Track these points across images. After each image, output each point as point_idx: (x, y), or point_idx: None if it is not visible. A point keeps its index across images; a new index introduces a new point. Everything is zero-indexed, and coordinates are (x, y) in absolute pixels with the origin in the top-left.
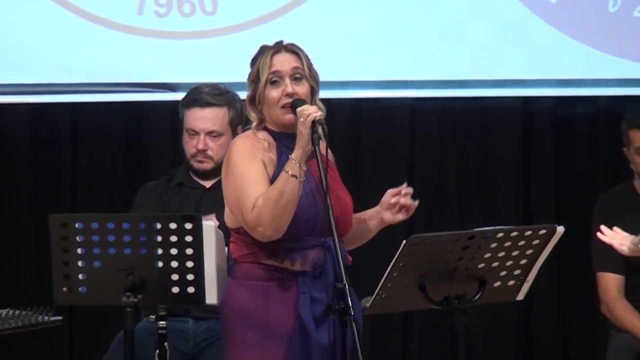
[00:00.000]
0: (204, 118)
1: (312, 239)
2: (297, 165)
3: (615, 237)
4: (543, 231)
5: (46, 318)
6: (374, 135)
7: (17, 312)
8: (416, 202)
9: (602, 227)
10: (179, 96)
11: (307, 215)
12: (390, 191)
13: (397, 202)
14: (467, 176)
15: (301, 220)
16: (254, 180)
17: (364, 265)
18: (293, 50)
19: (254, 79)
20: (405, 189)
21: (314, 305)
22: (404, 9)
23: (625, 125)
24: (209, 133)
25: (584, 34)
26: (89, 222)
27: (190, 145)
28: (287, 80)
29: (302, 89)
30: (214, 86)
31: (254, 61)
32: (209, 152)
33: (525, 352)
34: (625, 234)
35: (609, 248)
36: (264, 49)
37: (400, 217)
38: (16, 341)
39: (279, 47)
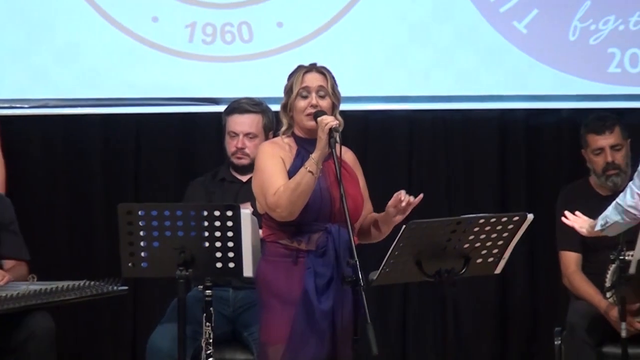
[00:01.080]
0: (242, 122)
1: (316, 225)
2: (315, 163)
3: (577, 221)
4: (516, 218)
5: (115, 288)
6: (378, 141)
7: (92, 283)
8: (417, 199)
9: (566, 212)
10: (221, 108)
11: (313, 205)
12: (389, 204)
13: (397, 209)
14: (455, 173)
15: (310, 208)
16: (275, 173)
17: (371, 245)
18: (321, 71)
19: (288, 90)
20: (399, 197)
21: (317, 278)
22: (405, 40)
23: (584, 130)
24: (247, 134)
25: (549, 58)
26: (149, 210)
27: (231, 145)
28: (313, 95)
29: (324, 103)
30: (250, 98)
31: (290, 76)
32: (246, 150)
33: (503, 315)
34: (585, 218)
35: (569, 232)
36: (299, 68)
37: (401, 217)
38: (91, 306)
39: (311, 67)
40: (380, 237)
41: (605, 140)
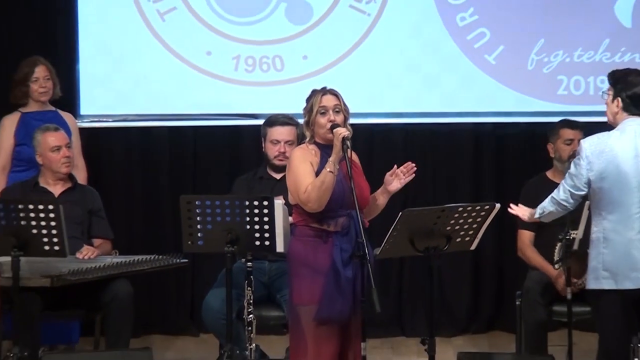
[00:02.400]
0: (283, 132)
1: (341, 211)
2: (333, 164)
3: (519, 210)
4: (487, 207)
5: (178, 261)
6: (380, 147)
7: (160, 256)
8: (409, 169)
9: (511, 204)
10: (259, 122)
11: (337, 196)
12: (387, 173)
13: (393, 176)
14: (440, 173)
15: (334, 199)
16: (305, 174)
17: (376, 227)
18: (334, 93)
19: (309, 110)
20: (394, 168)
21: (342, 253)
22: (402, 69)
23: (559, 126)
24: (287, 142)
25: (512, 83)
26: (204, 201)
27: (274, 150)
28: (330, 112)
29: (339, 118)
30: (283, 114)
31: (308, 99)
32: (286, 154)
33: (476, 281)
34: (526, 208)
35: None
36: (315, 92)
37: (398, 184)
38: (160, 275)
39: (325, 91)
40: (379, 209)
41: (574, 134)
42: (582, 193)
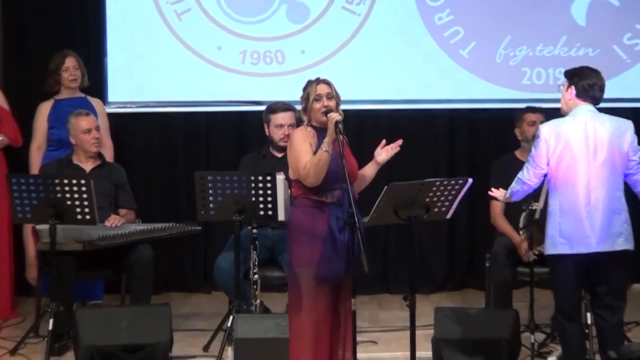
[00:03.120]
0: (286, 117)
1: (336, 184)
2: (328, 145)
3: (497, 193)
4: (461, 181)
5: (192, 228)
6: (368, 130)
7: (177, 224)
8: (396, 144)
9: (493, 189)
10: (263, 108)
11: (332, 172)
12: (377, 147)
13: (382, 149)
14: (422, 152)
15: (329, 174)
16: (305, 153)
17: (365, 199)
18: (326, 82)
19: (306, 98)
20: (383, 142)
21: (337, 221)
22: (388, 62)
23: (523, 111)
24: (289, 125)
25: (483, 74)
26: (215, 176)
27: (279, 133)
28: (324, 99)
29: (332, 103)
30: (283, 102)
31: (304, 88)
32: (289, 136)
33: (451, 246)
34: (502, 190)
35: (498, 185)
36: (310, 82)
37: (385, 156)
38: (177, 240)
39: (319, 80)
40: (367, 181)
41: (536, 117)
42: (543, 171)
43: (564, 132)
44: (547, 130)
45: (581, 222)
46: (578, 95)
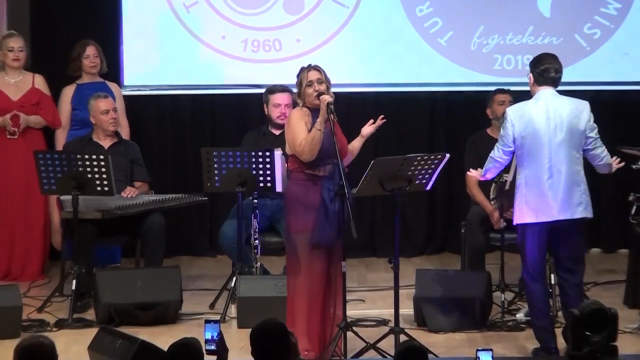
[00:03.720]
0: (283, 98)
1: (328, 160)
2: (320, 124)
3: (474, 172)
4: (439, 156)
5: (199, 198)
6: (356, 111)
7: (186, 195)
8: (379, 122)
9: (471, 169)
10: (262, 90)
11: (325, 148)
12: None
13: (368, 124)
14: (405, 129)
15: (322, 151)
16: (300, 131)
17: (354, 173)
18: (317, 68)
19: (299, 83)
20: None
21: (329, 192)
22: (375, 50)
23: (493, 92)
24: (286, 105)
25: (459, 60)
26: (220, 152)
27: (277, 112)
28: (315, 84)
29: (322, 87)
30: (281, 85)
31: (298, 74)
32: (286, 114)
33: (431, 214)
34: (480, 170)
35: (472, 161)
36: (302, 68)
37: (370, 129)
38: (185, 209)
39: (310, 67)
40: (354, 154)
41: (505, 97)
42: (511, 149)
43: (528, 113)
44: (513, 112)
45: (544, 194)
46: (536, 82)
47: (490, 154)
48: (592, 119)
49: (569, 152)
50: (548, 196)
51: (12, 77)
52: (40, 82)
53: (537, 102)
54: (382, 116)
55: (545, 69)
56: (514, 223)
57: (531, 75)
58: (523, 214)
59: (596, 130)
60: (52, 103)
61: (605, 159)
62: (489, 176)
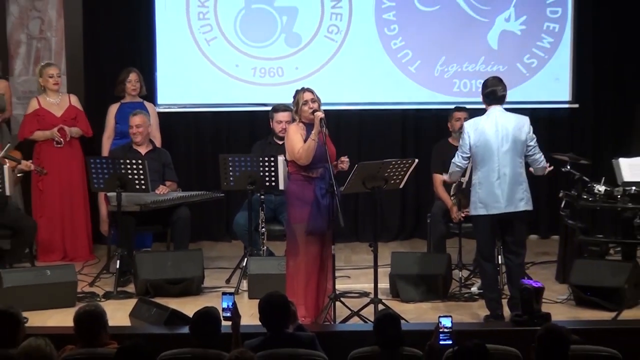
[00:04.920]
0: (284, 115)
1: (320, 164)
2: (314, 135)
3: (444, 177)
4: (410, 161)
5: (217, 195)
6: (343, 125)
7: (206, 192)
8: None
9: (444, 174)
10: (268, 108)
11: (318, 155)
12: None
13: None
14: (380, 141)
15: (316, 157)
16: (298, 142)
17: (342, 174)
18: (310, 90)
19: (296, 103)
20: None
21: (320, 190)
22: (357, 74)
23: (452, 110)
24: (286, 122)
25: (426, 84)
26: (234, 157)
27: (279, 127)
28: (309, 102)
29: (315, 105)
30: (284, 104)
31: (295, 95)
32: (286, 129)
33: (403, 207)
34: (445, 174)
35: (437, 163)
36: (298, 91)
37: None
38: (206, 204)
39: (304, 89)
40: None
41: (461, 115)
42: (468, 155)
43: (481, 127)
44: (469, 125)
45: (494, 192)
46: (485, 102)
47: (452, 160)
48: (531, 131)
49: (513, 158)
50: (497, 193)
51: (53, 98)
52: (75, 100)
53: (488, 117)
54: (347, 159)
55: (491, 91)
56: (470, 215)
57: (482, 97)
58: (477, 208)
59: (535, 140)
60: (85, 117)
61: (542, 163)
62: (453, 179)
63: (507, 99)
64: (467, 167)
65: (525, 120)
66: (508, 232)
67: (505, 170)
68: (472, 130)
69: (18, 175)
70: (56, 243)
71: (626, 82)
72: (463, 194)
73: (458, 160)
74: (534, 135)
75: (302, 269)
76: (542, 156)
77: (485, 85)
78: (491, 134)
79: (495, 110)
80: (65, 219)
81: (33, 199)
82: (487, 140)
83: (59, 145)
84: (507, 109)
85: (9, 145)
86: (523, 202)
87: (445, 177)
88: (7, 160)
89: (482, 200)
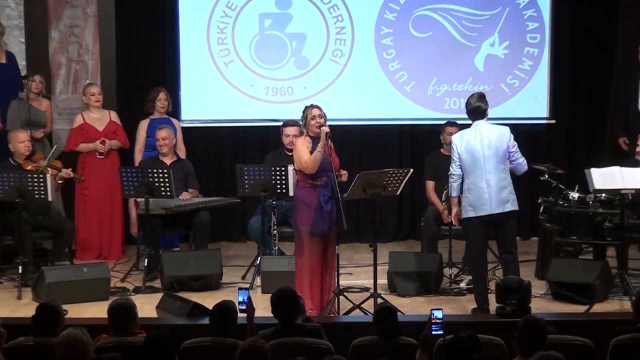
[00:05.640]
0: (292, 130)
1: (324, 173)
2: (320, 148)
3: (451, 214)
4: (406, 170)
5: (234, 200)
6: (346, 138)
7: (225, 198)
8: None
9: (453, 215)
10: (279, 124)
11: (323, 165)
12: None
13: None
14: (380, 153)
15: (321, 167)
16: (304, 153)
17: (345, 182)
18: (317, 107)
19: (304, 118)
20: (343, 174)
21: (324, 196)
22: (357, 93)
23: (444, 125)
24: (294, 135)
25: (420, 102)
26: (249, 167)
27: (287, 140)
28: (317, 118)
29: (322, 120)
30: (293, 119)
31: (304, 111)
32: (293, 142)
33: (400, 211)
34: (455, 209)
35: (430, 171)
36: (306, 107)
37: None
38: (224, 208)
39: (312, 106)
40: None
41: (452, 129)
42: (459, 163)
43: (467, 138)
44: (456, 138)
45: (481, 195)
46: (470, 118)
47: (449, 173)
48: (512, 139)
49: (496, 164)
50: (484, 197)
51: (95, 114)
52: (115, 116)
53: (473, 130)
54: (346, 173)
55: (474, 108)
56: (461, 217)
57: (467, 114)
58: (467, 211)
59: (516, 146)
60: (123, 131)
61: (524, 167)
62: (454, 194)
63: (492, 115)
64: (450, 184)
65: (505, 130)
66: (499, 232)
67: (490, 176)
68: (459, 142)
69: (59, 182)
70: (93, 243)
71: (597, 101)
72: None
73: (452, 169)
74: (515, 143)
75: (307, 266)
76: (524, 160)
77: (468, 103)
78: (476, 144)
79: (480, 123)
80: (104, 222)
81: (77, 204)
82: (473, 150)
83: (101, 157)
84: (495, 123)
85: (50, 155)
86: (509, 204)
87: (452, 212)
88: (49, 169)
89: (471, 203)
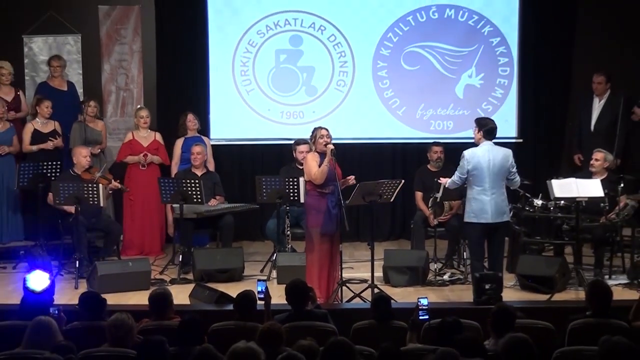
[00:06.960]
0: (304, 148)
1: (330, 183)
2: (327, 162)
3: (444, 180)
4: (398, 181)
5: (254, 206)
6: (348, 155)
7: (246, 204)
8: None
9: (441, 177)
10: (292, 141)
11: (329, 177)
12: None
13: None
14: (375, 167)
15: (327, 178)
16: (314, 166)
17: (348, 191)
18: (325, 128)
19: (313, 137)
20: (351, 178)
21: (331, 202)
22: (360, 115)
23: (430, 145)
24: (305, 152)
25: (410, 124)
26: (267, 178)
27: (300, 156)
28: (325, 137)
29: (328, 139)
30: (303, 138)
31: (313, 131)
32: (304, 157)
33: (394, 215)
34: (447, 179)
35: (419, 182)
36: (316, 128)
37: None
38: (245, 212)
39: (321, 127)
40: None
41: (437, 148)
42: (464, 177)
43: (476, 155)
44: (468, 154)
45: (484, 206)
46: (483, 137)
47: (453, 179)
48: (513, 161)
49: (499, 181)
50: (486, 209)
51: (142, 133)
52: (159, 136)
53: (482, 148)
54: (353, 178)
55: (490, 129)
56: (464, 221)
57: (481, 132)
58: (470, 216)
59: (515, 167)
60: (165, 150)
61: (518, 183)
62: (451, 187)
63: (469, 135)
64: (439, 186)
65: (509, 153)
66: (494, 236)
67: (494, 190)
68: (470, 158)
69: (109, 192)
70: (137, 242)
71: (556, 123)
72: (438, 206)
73: (457, 179)
74: (515, 164)
75: (316, 261)
76: (519, 178)
77: (484, 124)
78: (484, 162)
79: (488, 144)
80: (146, 223)
81: (124, 208)
82: (481, 166)
83: (143, 168)
84: (466, 144)
85: (104, 167)
86: (505, 215)
87: (445, 180)
88: (102, 180)
89: (474, 211)
